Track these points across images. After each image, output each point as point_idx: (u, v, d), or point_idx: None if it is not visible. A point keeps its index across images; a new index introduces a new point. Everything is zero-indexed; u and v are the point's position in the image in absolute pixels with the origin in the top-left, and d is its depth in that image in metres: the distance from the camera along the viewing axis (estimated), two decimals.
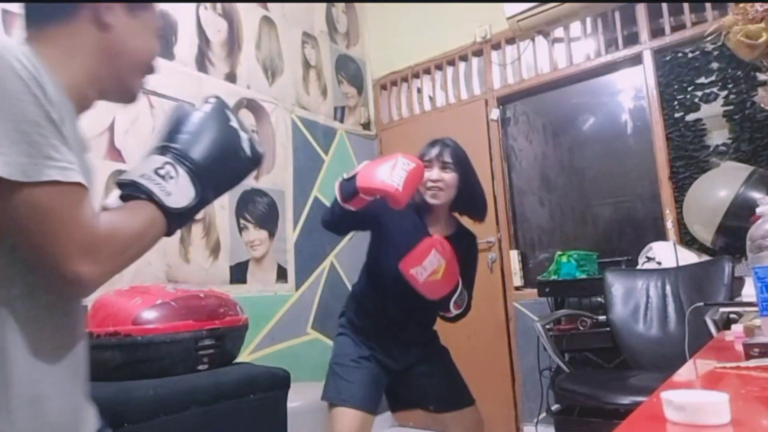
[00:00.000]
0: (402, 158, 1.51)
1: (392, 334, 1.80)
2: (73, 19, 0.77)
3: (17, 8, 2.27)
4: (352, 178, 1.52)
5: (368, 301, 1.83)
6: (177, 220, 0.78)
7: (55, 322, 0.72)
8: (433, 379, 1.86)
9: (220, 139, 0.84)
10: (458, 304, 1.69)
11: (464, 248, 1.75)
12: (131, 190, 0.75)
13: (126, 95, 0.87)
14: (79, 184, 0.67)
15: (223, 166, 0.84)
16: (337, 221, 1.66)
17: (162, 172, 0.76)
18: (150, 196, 0.75)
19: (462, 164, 1.76)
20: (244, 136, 0.87)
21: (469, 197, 1.80)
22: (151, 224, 0.75)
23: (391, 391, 1.87)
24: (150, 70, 0.88)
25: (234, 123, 0.87)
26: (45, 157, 0.64)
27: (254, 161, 0.89)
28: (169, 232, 0.79)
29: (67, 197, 0.65)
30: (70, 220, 0.65)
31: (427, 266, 1.52)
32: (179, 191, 0.77)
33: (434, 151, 1.74)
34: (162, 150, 0.79)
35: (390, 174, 1.45)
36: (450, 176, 1.73)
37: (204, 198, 0.81)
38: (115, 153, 2.55)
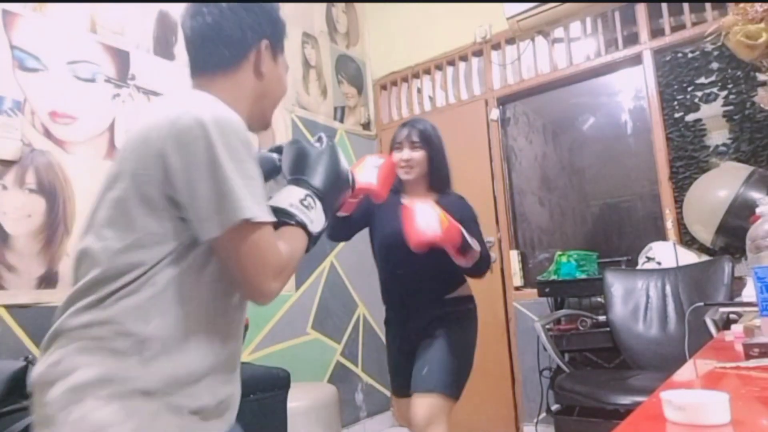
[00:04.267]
0: (370, 158, 1.69)
1: (405, 316, 1.91)
2: (238, 69, 0.98)
3: (18, 8, 2.27)
4: None
5: (383, 291, 1.99)
6: (315, 241, 0.97)
7: (236, 319, 0.94)
8: (418, 357, 1.84)
9: (339, 176, 1.02)
10: (472, 248, 1.71)
11: (455, 208, 1.83)
12: (286, 218, 0.92)
13: (266, 125, 1.08)
14: (270, 222, 0.86)
15: (338, 198, 1.04)
16: (338, 230, 1.89)
17: (306, 203, 0.94)
18: (304, 226, 0.92)
19: (429, 142, 1.92)
20: (346, 168, 1.05)
21: (437, 172, 1.94)
22: (303, 246, 0.93)
23: None
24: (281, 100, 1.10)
25: (344, 163, 1.05)
26: (261, 204, 0.84)
27: (352, 185, 1.08)
28: (308, 251, 0.96)
29: (267, 233, 0.85)
30: (269, 251, 0.85)
31: (430, 220, 1.62)
32: (318, 219, 0.95)
33: (404, 133, 1.91)
34: (299, 182, 0.97)
35: (363, 174, 1.61)
36: (419, 154, 1.89)
37: (327, 225, 0.99)
38: (115, 152, 2.55)
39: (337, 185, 1.01)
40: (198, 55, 0.98)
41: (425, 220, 1.61)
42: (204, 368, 0.86)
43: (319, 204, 0.96)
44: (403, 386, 1.90)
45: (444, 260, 1.72)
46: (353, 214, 1.86)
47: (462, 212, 1.85)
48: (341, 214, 1.79)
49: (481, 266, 1.82)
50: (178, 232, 0.84)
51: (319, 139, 1.05)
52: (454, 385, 1.78)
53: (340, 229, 1.91)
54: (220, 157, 0.81)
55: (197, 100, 0.88)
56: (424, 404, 1.73)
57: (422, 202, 1.69)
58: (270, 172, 1.08)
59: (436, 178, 1.95)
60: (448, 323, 1.86)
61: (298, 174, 0.98)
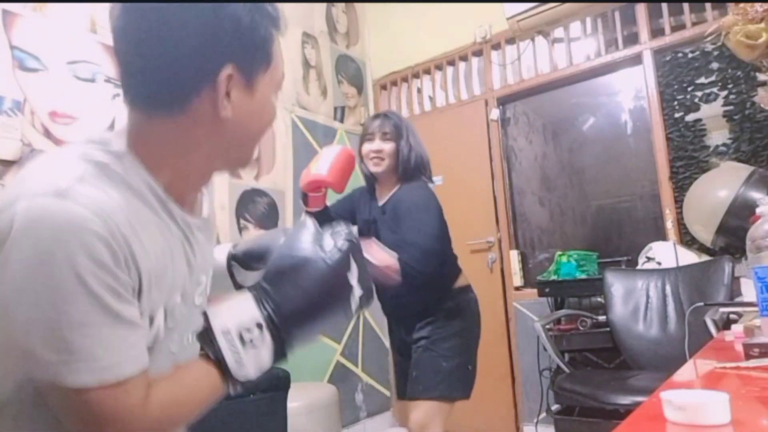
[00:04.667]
0: (326, 149, 1.69)
1: (393, 312, 1.93)
2: (189, 110, 0.66)
3: (18, 8, 2.27)
4: None
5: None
6: (239, 386, 0.69)
7: None
8: (411, 360, 1.86)
9: (330, 304, 0.73)
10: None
11: (404, 194, 1.80)
12: (206, 349, 0.67)
13: (243, 164, 0.78)
14: (122, 382, 0.58)
15: (318, 329, 0.74)
16: None
17: (246, 337, 0.67)
18: (219, 366, 0.67)
19: (400, 134, 1.86)
20: (357, 294, 0.75)
21: (406, 163, 1.86)
22: (211, 393, 0.68)
23: None
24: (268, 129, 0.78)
25: (353, 279, 0.75)
26: (84, 360, 0.56)
27: (353, 316, 0.78)
28: (227, 396, 0.71)
29: (110, 397, 0.58)
30: (115, 418, 0.59)
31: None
32: (253, 363, 0.68)
33: (376, 124, 1.87)
34: (261, 298, 0.69)
35: (316, 166, 1.62)
36: (389, 146, 1.84)
37: (270, 367, 0.71)
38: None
39: (323, 319, 0.73)
40: (136, 88, 0.67)
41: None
42: None
43: (269, 343, 0.68)
44: (399, 388, 1.95)
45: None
46: (333, 214, 1.86)
47: (407, 198, 1.76)
48: (313, 209, 1.78)
49: (416, 278, 1.59)
50: None
51: (337, 234, 0.75)
52: (443, 385, 1.73)
53: None
54: (11, 296, 0.56)
55: (37, 181, 0.59)
56: (414, 410, 1.72)
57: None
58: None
59: (405, 170, 1.86)
60: (434, 323, 1.82)
61: (273, 281, 0.71)
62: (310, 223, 0.77)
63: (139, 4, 0.64)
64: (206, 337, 0.67)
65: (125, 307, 0.60)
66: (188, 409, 0.67)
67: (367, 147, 1.85)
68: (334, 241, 0.74)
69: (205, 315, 0.68)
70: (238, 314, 0.68)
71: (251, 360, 0.67)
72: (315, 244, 0.74)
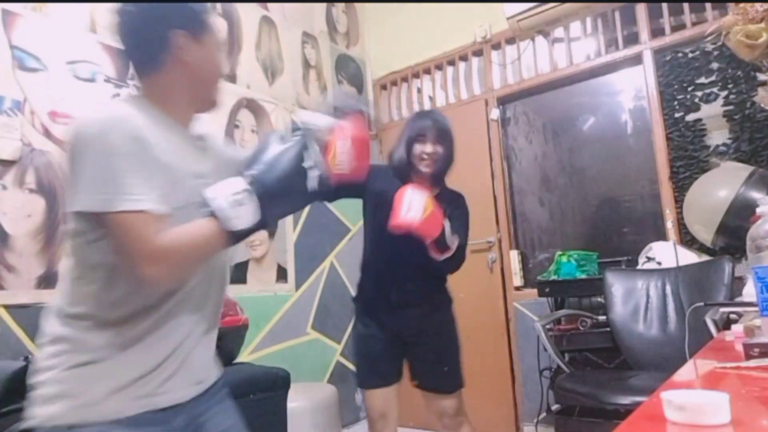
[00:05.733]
0: (338, 143, 1.64)
1: (392, 297, 1.90)
2: (164, 67, 1.01)
3: (18, 8, 2.27)
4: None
5: (369, 268, 1.97)
6: (235, 238, 0.94)
7: (137, 301, 0.94)
8: (426, 353, 1.95)
9: (290, 175, 0.97)
10: (448, 247, 1.73)
11: (452, 204, 1.89)
12: (204, 209, 0.92)
13: (211, 105, 1.11)
14: (143, 211, 0.87)
15: (288, 199, 1.00)
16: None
17: (238, 197, 0.92)
18: (215, 215, 0.91)
19: (450, 140, 1.91)
20: (313, 175, 1.00)
21: (446, 169, 1.94)
22: (211, 239, 0.92)
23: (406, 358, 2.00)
24: (222, 77, 1.12)
25: (308, 162, 1.00)
26: (122, 194, 0.86)
27: (317, 195, 1.02)
28: (228, 246, 0.96)
29: (129, 220, 0.87)
30: (134, 238, 0.87)
31: (414, 206, 1.64)
32: (244, 216, 0.92)
33: (428, 124, 1.88)
34: (243, 173, 0.95)
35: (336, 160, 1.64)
36: (442, 150, 1.87)
37: (262, 224, 0.95)
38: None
39: (286, 187, 0.97)
40: (130, 61, 1.05)
41: (410, 205, 1.63)
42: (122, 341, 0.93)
43: (254, 201, 0.92)
44: (386, 375, 1.93)
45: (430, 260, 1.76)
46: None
47: (455, 208, 1.88)
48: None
49: (451, 265, 1.83)
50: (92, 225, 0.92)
51: (288, 137, 1.04)
52: (463, 375, 1.98)
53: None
54: (77, 157, 0.89)
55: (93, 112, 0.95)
56: (453, 403, 1.93)
57: (415, 188, 1.70)
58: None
59: (443, 174, 1.95)
60: (443, 315, 1.97)
61: (251, 167, 0.97)
62: (275, 134, 1.05)
63: None
64: (204, 205, 0.93)
65: (148, 170, 0.91)
66: (194, 244, 0.92)
67: (419, 148, 1.86)
68: (292, 132, 1.06)
69: (209, 193, 0.93)
70: (227, 186, 0.93)
71: (242, 213, 0.92)
72: (278, 138, 1.03)
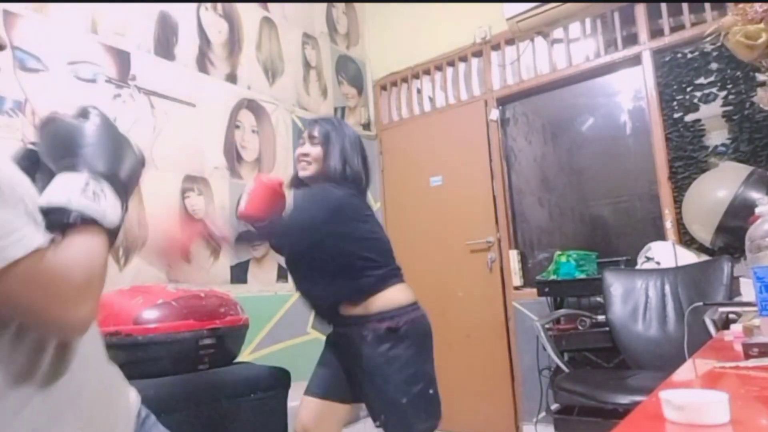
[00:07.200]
0: (250, 185, 1.80)
1: (316, 309, 1.86)
2: None
3: (19, 9, 2.27)
4: None
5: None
6: (115, 236, 0.76)
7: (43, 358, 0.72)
8: (369, 399, 1.72)
9: (119, 146, 0.81)
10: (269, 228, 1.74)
11: (303, 195, 1.77)
12: (65, 218, 0.70)
13: None
14: (37, 250, 0.64)
15: (130, 174, 0.82)
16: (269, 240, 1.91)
17: (90, 191, 0.72)
18: (94, 221, 0.71)
19: (328, 139, 1.79)
20: (130, 139, 0.86)
21: (330, 169, 1.78)
22: (104, 248, 0.73)
23: None
24: None
25: (120, 129, 0.85)
26: (4, 238, 0.62)
27: (143, 161, 0.88)
28: (110, 249, 0.76)
29: (36, 262, 0.64)
30: (49, 281, 0.65)
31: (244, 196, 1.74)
32: (112, 206, 0.74)
33: (308, 128, 1.85)
34: (72, 168, 0.74)
35: (240, 204, 1.76)
36: (316, 150, 1.79)
37: (125, 209, 0.79)
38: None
39: (126, 160, 0.81)
40: None
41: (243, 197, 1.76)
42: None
43: (107, 187, 0.74)
44: (326, 386, 1.77)
45: (330, 267, 1.66)
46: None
47: (300, 199, 1.77)
48: (258, 225, 1.74)
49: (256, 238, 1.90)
50: None
51: (84, 113, 0.81)
52: (409, 424, 1.63)
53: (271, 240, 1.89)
54: None
55: None
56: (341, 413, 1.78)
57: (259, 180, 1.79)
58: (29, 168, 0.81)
59: (327, 175, 1.79)
60: (373, 356, 1.63)
61: (68, 158, 0.75)
62: (45, 121, 0.81)
63: None
64: (59, 212, 0.70)
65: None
66: (97, 258, 0.71)
67: (298, 150, 1.84)
68: (89, 113, 0.81)
69: (46, 205, 0.70)
70: (65, 186, 0.72)
71: (108, 205, 0.73)
72: (73, 121, 0.80)
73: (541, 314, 2.85)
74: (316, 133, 1.80)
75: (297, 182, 1.87)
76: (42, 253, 0.64)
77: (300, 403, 1.79)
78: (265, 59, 3.39)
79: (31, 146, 0.83)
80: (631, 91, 3.28)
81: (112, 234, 0.75)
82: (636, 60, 3.14)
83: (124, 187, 0.79)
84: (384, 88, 4.25)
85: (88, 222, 0.71)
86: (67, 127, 0.78)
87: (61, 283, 0.65)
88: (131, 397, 0.90)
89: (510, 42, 3.63)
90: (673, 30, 3.03)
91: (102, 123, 0.80)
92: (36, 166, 0.81)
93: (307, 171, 1.81)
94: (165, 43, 2.84)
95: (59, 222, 0.69)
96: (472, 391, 3.42)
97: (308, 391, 1.81)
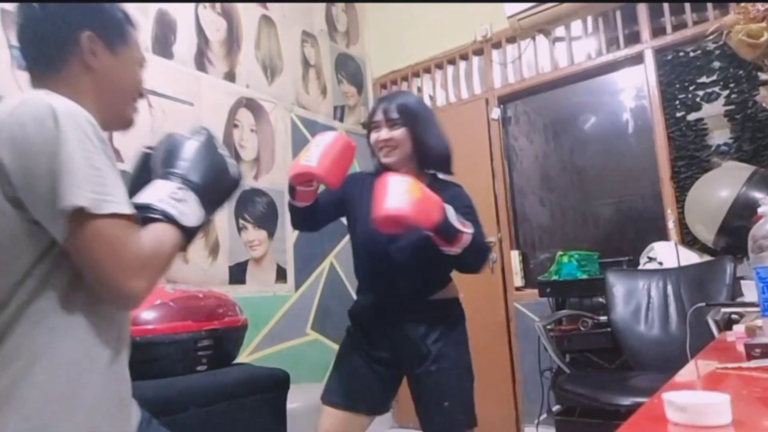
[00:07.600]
0: (316, 138, 1.49)
1: (383, 318, 1.64)
2: (65, 67, 0.92)
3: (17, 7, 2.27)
4: None
5: (360, 283, 1.74)
6: (191, 236, 0.91)
7: (107, 328, 0.87)
8: (426, 384, 1.61)
9: (214, 164, 0.97)
10: (458, 232, 1.40)
11: (446, 193, 1.54)
12: (151, 213, 0.85)
13: (123, 123, 1.01)
14: (130, 216, 0.80)
15: (218, 188, 0.97)
16: (299, 220, 1.72)
17: (176, 196, 0.88)
18: (173, 220, 0.86)
19: (410, 117, 1.61)
20: (230, 161, 1.00)
21: (428, 151, 1.65)
22: (174, 241, 0.87)
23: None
24: (139, 96, 1.02)
25: (221, 150, 0.99)
26: (108, 194, 0.78)
27: (238, 182, 1.02)
28: (185, 248, 0.92)
29: (118, 226, 0.78)
30: (123, 245, 0.78)
31: (395, 191, 1.34)
32: (192, 212, 0.89)
33: (380, 111, 1.63)
34: (169, 176, 0.91)
35: (306, 157, 1.43)
36: (399, 132, 1.60)
37: (207, 218, 0.94)
38: (113, 152, 2.54)
39: (215, 177, 0.96)
40: (26, 56, 0.96)
41: (392, 192, 1.33)
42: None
43: (193, 196, 0.90)
44: (354, 397, 1.62)
45: (432, 254, 1.45)
46: (320, 203, 1.62)
47: (454, 199, 1.53)
48: (299, 204, 1.59)
49: (477, 256, 1.51)
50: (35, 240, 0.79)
51: (194, 133, 0.99)
52: (472, 414, 1.66)
53: (301, 220, 1.69)
54: (65, 142, 0.76)
55: (39, 93, 0.84)
56: None
57: (393, 175, 1.43)
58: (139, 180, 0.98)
59: (427, 159, 1.65)
60: (446, 338, 1.59)
61: (169, 168, 0.92)
62: (165, 137, 1.00)
63: None
64: (147, 208, 0.85)
65: (116, 169, 0.83)
66: (166, 250, 0.85)
67: (373, 137, 1.64)
68: (201, 133, 0.99)
69: (138, 202, 0.86)
70: (159, 189, 0.89)
71: (188, 210, 0.88)
72: (184, 138, 0.97)
73: (542, 315, 2.84)
74: (394, 114, 1.60)
75: (380, 168, 1.66)
76: (129, 222, 0.80)
77: (322, 415, 1.65)
78: (264, 57, 3.39)
79: (147, 150, 1.02)
80: (633, 89, 3.27)
81: (189, 233, 0.89)
82: (638, 59, 3.13)
83: (209, 198, 0.94)
84: (384, 86, 4.25)
85: (168, 219, 0.86)
86: (175, 142, 0.96)
87: (130, 254, 0.79)
88: (134, 411, 1.03)
89: (511, 40, 3.62)
90: (675, 28, 3.02)
91: (205, 143, 0.97)
92: (149, 169, 0.98)
93: (391, 157, 1.61)
94: (163, 42, 2.84)
95: (146, 216, 0.85)
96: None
97: (331, 402, 1.65)
